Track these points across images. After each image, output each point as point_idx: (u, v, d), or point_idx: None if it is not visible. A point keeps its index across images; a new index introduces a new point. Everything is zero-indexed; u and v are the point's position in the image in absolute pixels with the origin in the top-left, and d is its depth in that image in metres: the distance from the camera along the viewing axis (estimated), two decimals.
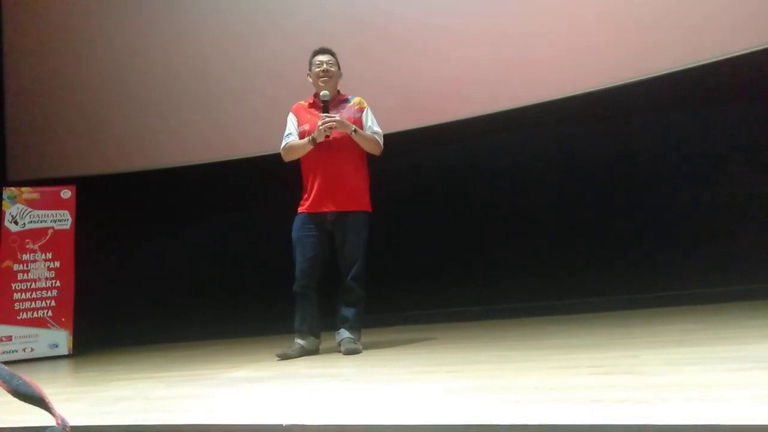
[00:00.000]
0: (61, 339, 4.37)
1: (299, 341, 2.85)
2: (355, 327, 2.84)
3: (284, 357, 2.76)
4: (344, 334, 2.81)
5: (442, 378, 1.83)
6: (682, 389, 1.30)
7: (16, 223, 4.41)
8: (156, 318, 4.71)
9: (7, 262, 4.34)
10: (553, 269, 3.79)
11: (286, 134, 2.98)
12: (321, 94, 2.88)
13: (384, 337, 3.32)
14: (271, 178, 3.57)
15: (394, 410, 1.40)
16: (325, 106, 2.86)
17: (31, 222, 4.46)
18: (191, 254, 4.90)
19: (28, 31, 5.41)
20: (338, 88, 3.03)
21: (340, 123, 2.79)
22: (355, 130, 2.82)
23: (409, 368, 2.11)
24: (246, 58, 4.73)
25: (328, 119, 2.78)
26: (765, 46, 3.30)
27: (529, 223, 3.94)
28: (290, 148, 2.92)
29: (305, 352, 2.83)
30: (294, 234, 2.89)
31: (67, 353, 4.34)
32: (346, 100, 3.00)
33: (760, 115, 3.45)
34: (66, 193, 4.60)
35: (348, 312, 2.84)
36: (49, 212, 4.52)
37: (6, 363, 3.71)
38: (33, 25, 5.40)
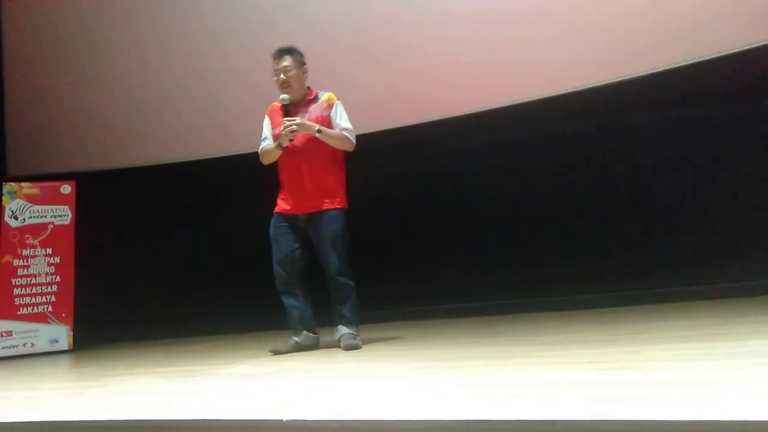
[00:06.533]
0: (61, 334, 4.38)
1: (294, 338, 2.88)
2: (353, 321, 2.83)
3: (276, 353, 2.78)
4: (343, 330, 2.81)
5: (442, 373, 1.83)
6: (683, 385, 1.30)
7: (16, 218, 4.41)
8: (156, 313, 4.72)
9: (7, 258, 4.34)
10: (553, 265, 3.78)
11: (262, 138, 2.98)
12: (280, 98, 2.86)
13: (384, 332, 3.32)
14: (271, 173, 3.56)
15: (393, 406, 1.40)
16: (286, 110, 2.84)
17: (31, 217, 4.46)
18: (191, 249, 4.89)
19: (28, 27, 5.39)
20: (308, 85, 2.97)
21: (301, 125, 2.77)
22: (319, 130, 2.78)
23: (409, 364, 2.11)
24: (244, 54, 4.71)
25: (288, 123, 2.77)
26: (764, 43, 3.28)
27: (529, 219, 3.93)
28: (264, 153, 2.95)
29: (300, 348, 2.85)
30: (270, 233, 2.91)
31: (67, 348, 4.36)
32: (315, 98, 2.94)
33: (760, 113, 3.44)
34: (66, 189, 4.60)
35: (342, 308, 2.82)
36: (49, 207, 4.52)
37: (6, 358, 3.71)
38: (33, 21, 5.38)
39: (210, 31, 4.86)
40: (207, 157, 4.74)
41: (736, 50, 3.33)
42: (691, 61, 3.44)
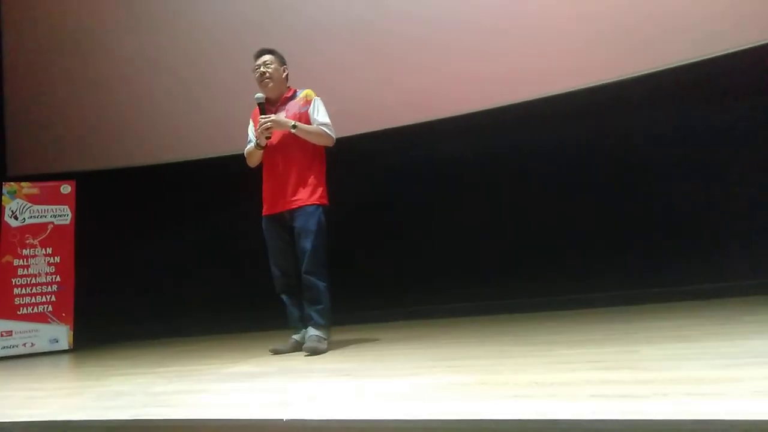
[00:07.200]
0: (61, 334, 4.38)
1: (294, 337, 2.88)
2: (321, 324, 2.74)
3: (276, 352, 2.78)
4: (311, 331, 2.72)
5: (442, 373, 1.83)
6: (682, 384, 1.30)
7: (16, 218, 4.41)
8: (156, 313, 4.72)
9: (8, 257, 4.35)
10: (553, 265, 3.79)
11: (247, 141, 2.97)
12: (255, 96, 2.84)
13: (384, 332, 3.32)
14: None
15: (394, 405, 1.40)
16: (261, 108, 2.83)
17: (31, 217, 4.46)
18: (191, 249, 4.90)
19: (28, 27, 5.40)
20: (288, 84, 2.98)
21: (275, 122, 2.77)
22: (294, 126, 2.75)
23: (410, 363, 2.11)
24: (245, 53, 4.65)
25: (263, 121, 2.77)
26: (764, 43, 3.28)
27: (529, 219, 3.93)
28: (247, 155, 2.95)
29: (300, 347, 2.83)
30: (264, 235, 2.91)
31: (67, 348, 4.36)
32: (293, 96, 2.94)
33: (760, 112, 3.45)
34: (66, 189, 4.60)
35: (311, 309, 2.75)
36: (49, 207, 4.52)
37: (6, 358, 3.71)
38: (32, 21, 5.39)
39: (210, 30, 4.86)
40: (207, 157, 4.74)
41: (736, 50, 3.33)
42: (691, 61, 3.44)
